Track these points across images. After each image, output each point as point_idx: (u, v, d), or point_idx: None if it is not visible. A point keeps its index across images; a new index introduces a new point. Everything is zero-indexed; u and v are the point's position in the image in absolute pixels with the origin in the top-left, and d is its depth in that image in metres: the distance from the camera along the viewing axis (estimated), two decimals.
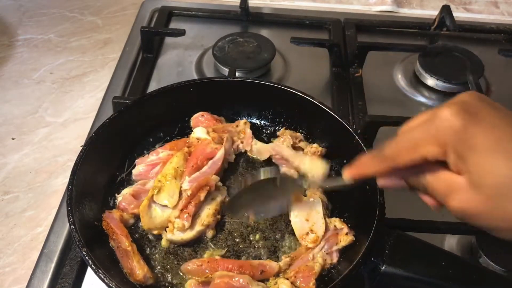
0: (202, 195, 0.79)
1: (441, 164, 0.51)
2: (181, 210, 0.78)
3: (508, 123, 0.48)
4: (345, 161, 0.86)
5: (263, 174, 0.72)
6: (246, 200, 0.75)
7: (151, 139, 0.93)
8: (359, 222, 0.78)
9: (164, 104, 0.92)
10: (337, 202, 0.85)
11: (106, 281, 0.65)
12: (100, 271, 0.66)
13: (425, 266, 0.66)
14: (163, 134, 0.94)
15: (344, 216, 0.82)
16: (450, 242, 0.86)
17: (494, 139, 0.47)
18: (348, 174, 0.60)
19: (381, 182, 0.58)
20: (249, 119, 0.98)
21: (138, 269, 0.72)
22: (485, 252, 0.80)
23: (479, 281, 0.67)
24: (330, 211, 0.84)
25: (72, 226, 0.70)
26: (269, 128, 0.98)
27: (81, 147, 0.79)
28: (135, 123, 0.90)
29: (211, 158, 0.86)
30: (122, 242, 0.75)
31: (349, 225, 0.79)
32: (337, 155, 0.88)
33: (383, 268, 0.66)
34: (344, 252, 0.77)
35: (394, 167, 0.55)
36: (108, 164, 0.87)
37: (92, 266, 0.66)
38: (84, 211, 0.76)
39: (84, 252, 0.67)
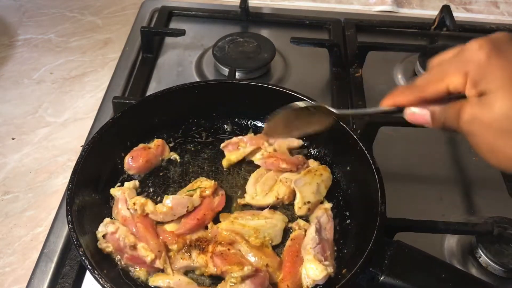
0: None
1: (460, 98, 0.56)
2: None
3: None
4: (348, 168, 0.86)
5: (293, 105, 0.76)
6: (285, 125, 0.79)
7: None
8: (360, 230, 0.78)
9: (168, 105, 0.91)
10: (338, 210, 0.84)
11: (101, 282, 0.65)
12: (96, 271, 0.66)
13: (425, 278, 0.66)
14: (167, 135, 0.94)
15: (346, 223, 0.82)
16: (450, 242, 0.86)
17: (510, 74, 0.50)
18: (385, 103, 0.64)
19: (408, 113, 0.61)
20: (253, 122, 0.97)
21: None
22: (485, 252, 0.80)
23: None
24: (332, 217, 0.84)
25: (70, 226, 0.70)
26: None
27: (82, 147, 0.79)
28: (138, 123, 0.90)
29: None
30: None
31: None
32: (341, 161, 0.88)
33: (381, 278, 0.66)
34: (343, 260, 0.76)
35: (422, 97, 0.59)
36: (109, 164, 0.87)
37: (88, 266, 0.66)
38: (83, 211, 0.76)
39: (80, 252, 0.68)
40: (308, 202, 0.82)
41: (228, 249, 0.75)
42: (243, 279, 0.70)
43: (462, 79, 0.54)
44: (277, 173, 0.88)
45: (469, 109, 0.53)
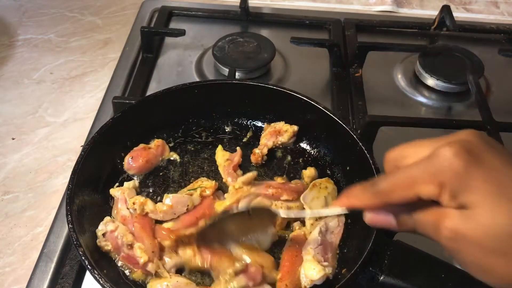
0: None
1: (433, 203, 0.50)
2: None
3: (511, 168, 0.47)
4: (348, 168, 0.86)
5: (235, 208, 0.71)
6: (219, 233, 0.72)
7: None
8: (360, 230, 0.77)
9: (168, 105, 0.91)
10: None
11: (101, 281, 0.65)
12: (96, 271, 0.65)
13: (424, 278, 0.65)
14: (167, 135, 0.94)
15: (345, 223, 0.81)
16: None
17: (495, 183, 0.46)
18: (340, 203, 0.59)
19: (368, 217, 0.57)
20: (253, 122, 0.97)
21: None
22: None
23: None
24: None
25: (70, 226, 0.70)
26: None
27: (82, 147, 0.79)
28: (138, 123, 0.90)
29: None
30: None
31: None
32: (341, 161, 0.88)
33: (381, 278, 0.66)
34: (343, 260, 0.76)
35: (386, 203, 0.53)
36: (109, 164, 0.87)
37: (88, 266, 0.66)
38: (83, 211, 0.76)
39: (80, 252, 0.68)
40: (320, 218, 0.80)
41: None
42: (236, 273, 0.70)
43: (436, 189, 0.48)
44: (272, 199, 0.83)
45: (450, 224, 0.47)
